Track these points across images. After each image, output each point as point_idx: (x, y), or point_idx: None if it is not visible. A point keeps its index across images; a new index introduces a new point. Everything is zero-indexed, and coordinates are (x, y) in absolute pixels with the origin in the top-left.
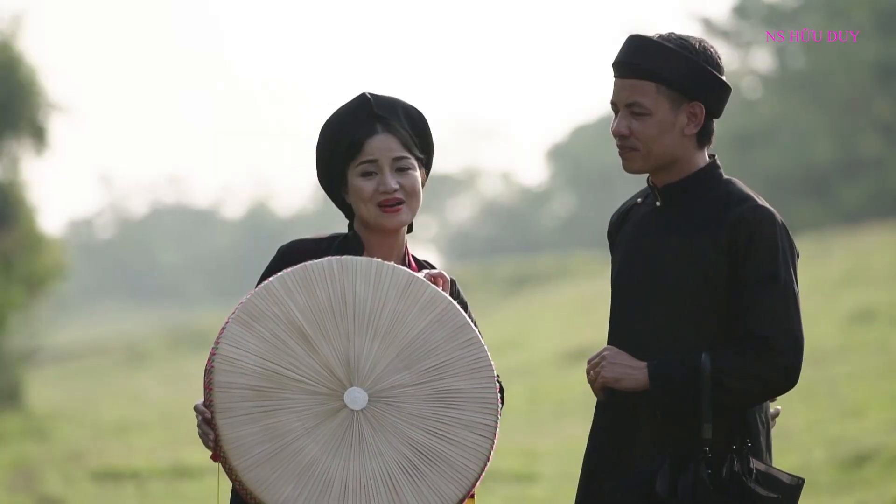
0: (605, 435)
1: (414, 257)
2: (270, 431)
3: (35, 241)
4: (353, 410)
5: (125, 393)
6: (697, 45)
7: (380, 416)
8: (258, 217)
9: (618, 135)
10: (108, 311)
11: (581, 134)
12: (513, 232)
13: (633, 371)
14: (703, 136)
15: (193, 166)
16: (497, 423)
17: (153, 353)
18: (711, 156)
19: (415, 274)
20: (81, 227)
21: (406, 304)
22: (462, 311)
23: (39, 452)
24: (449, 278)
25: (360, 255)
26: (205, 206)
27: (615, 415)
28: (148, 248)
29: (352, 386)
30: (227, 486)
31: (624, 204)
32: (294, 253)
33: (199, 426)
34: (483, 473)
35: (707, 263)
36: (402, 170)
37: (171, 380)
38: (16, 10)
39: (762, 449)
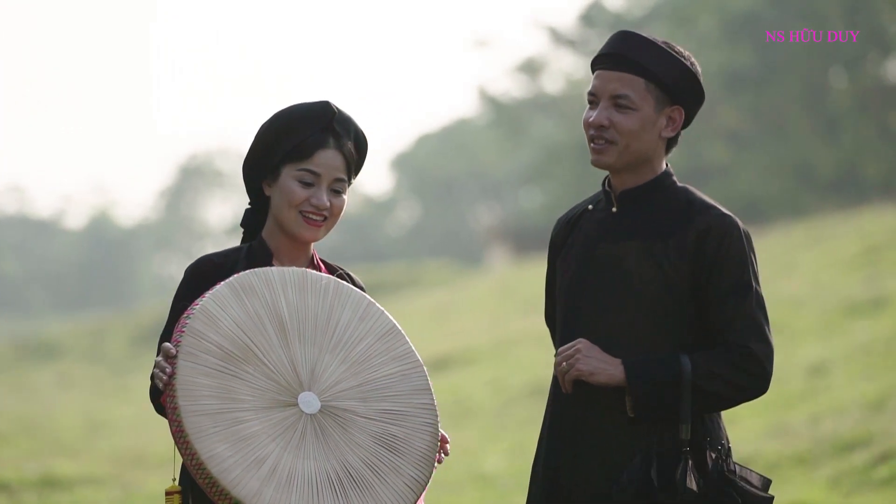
0: (567, 436)
1: (323, 260)
2: (223, 392)
3: None
4: (302, 412)
5: None
6: (679, 50)
7: (325, 428)
8: (100, 227)
9: (596, 125)
10: None
11: (425, 143)
12: (357, 241)
13: (607, 366)
14: (672, 143)
15: (34, 175)
16: (428, 482)
17: None
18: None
19: (397, 326)
20: None
21: (381, 348)
22: (427, 375)
23: None
24: (448, 440)
25: (269, 264)
26: (46, 216)
27: (578, 415)
28: None
29: (309, 390)
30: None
31: (570, 211)
32: (203, 272)
33: (157, 364)
34: None
35: (670, 268)
36: (336, 191)
37: (21, 390)
38: None
39: (728, 449)
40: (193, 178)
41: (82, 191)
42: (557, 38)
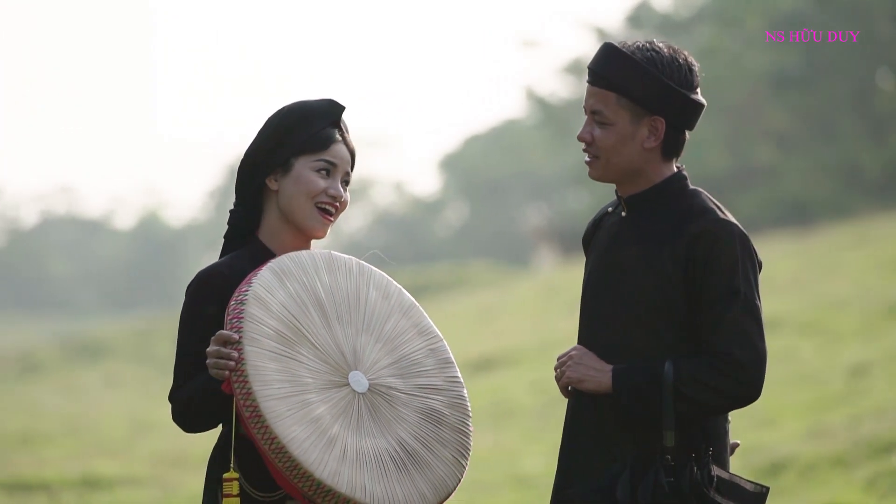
0: (574, 440)
1: None
2: (288, 375)
3: None
4: (354, 391)
5: (23, 404)
6: (665, 60)
7: (377, 407)
8: (149, 227)
9: (581, 140)
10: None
11: (473, 144)
12: (406, 242)
13: (597, 373)
14: (669, 149)
15: (84, 176)
16: (470, 450)
17: (47, 364)
18: (680, 167)
19: (415, 301)
20: None
21: (407, 324)
22: (448, 348)
23: None
24: None
25: None
26: (96, 217)
27: (584, 418)
28: (39, 259)
29: (356, 370)
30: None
31: (598, 212)
32: (214, 284)
33: (213, 353)
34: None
35: (664, 275)
36: (345, 183)
37: (68, 391)
38: None
39: (725, 457)
40: None
41: (132, 191)
42: (605, 38)
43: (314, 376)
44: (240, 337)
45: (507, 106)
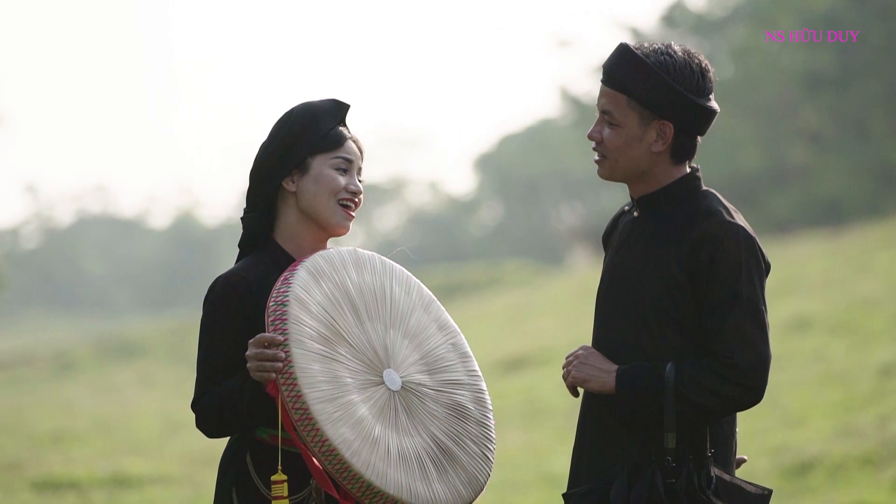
0: (582, 439)
1: None
2: (332, 375)
3: None
4: (389, 389)
5: (57, 403)
6: (678, 65)
7: (410, 404)
8: (184, 226)
9: (590, 139)
10: (34, 321)
11: (508, 143)
12: (440, 241)
13: (601, 374)
14: (679, 153)
15: (119, 175)
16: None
17: (81, 363)
18: (694, 167)
19: (433, 296)
20: (7, 237)
21: (428, 319)
22: (465, 341)
23: None
24: None
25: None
26: (131, 216)
27: (592, 419)
28: (74, 258)
29: (388, 367)
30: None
31: (618, 210)
32: (239, 291)
33: (257, 355)
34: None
35: (670, 277)
36: (359, 179)
37: (102, 389)
38: None
39: (724, 459)
40: None
41: (167, 191)
42: (639, 38)
43: (353, 376)
44: (285, 339)
45: (542, 105)
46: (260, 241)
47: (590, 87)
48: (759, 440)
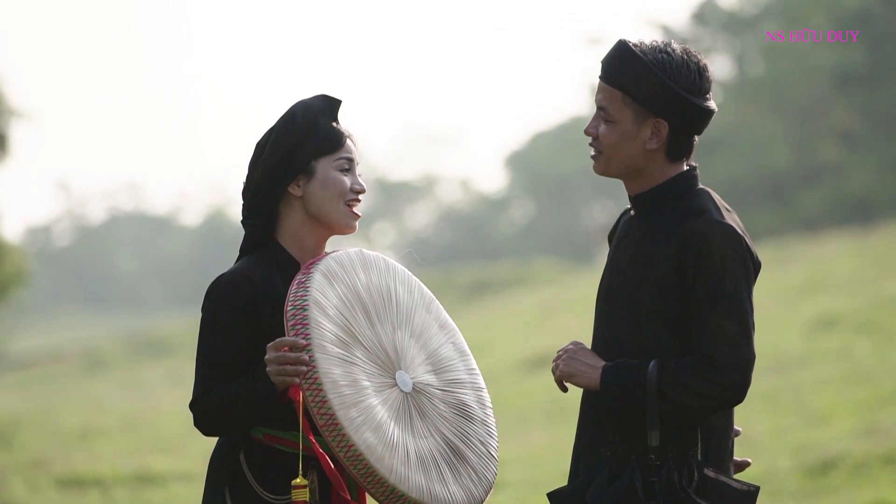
0: (580, 437)
1: None
2: (351, 379)
3: None
4: (402, 391)
5: (85, 400)
6: (675, 63)
7: (422, 405)
8: (215, 224)
9: (587, 134)
10: (66, 319)
11: (539, 141)
12: (471, 239)
13: (588, 369)
14: (675, 151)
15: (151, 173)
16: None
17: (112, 360)
18: (692, 165)
19: (433, 295)
20: (39, 235)
21: (430, 318)
22: (463, 339)
23: (3, 459)
24: None
25: (294, 271)
26: (162, 213)
27: (588, 416)
28: (106, 255)
29: (400, 369)
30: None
31: (623, 210)
32: (244, 290)
33: (279, 359)
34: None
35: (661, 276)
36: (359, 176)
37: (131, 387)
38: None
39: (716, 457)
40: None
41: (198, 188)
42: (670, 36)
43: (370, 379)
44: (308, 343)
45: (573, 103)
46: (261, 242)
47: None
48: (782, 439)
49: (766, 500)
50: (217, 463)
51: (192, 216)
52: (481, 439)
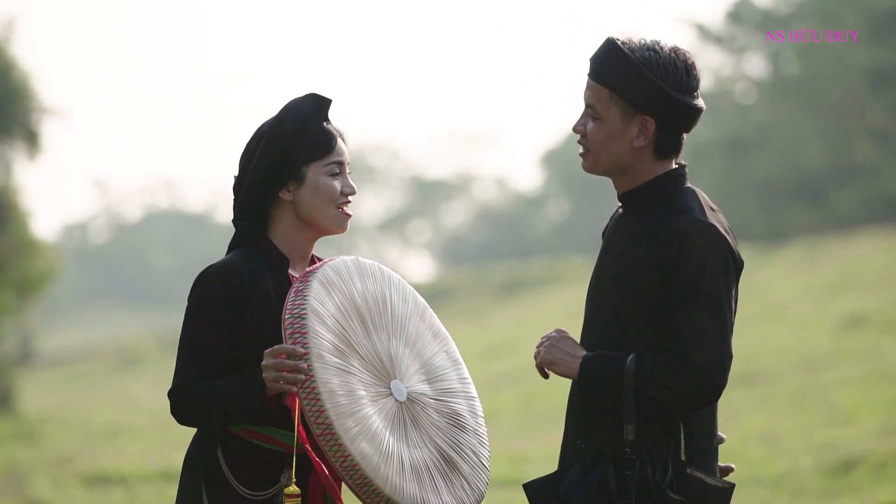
0: (567, 428)
1: (318, 259)
2: (348, 389)
3: (27, 246)
4: (397, 401)
5: (117, 397)
6: (662, 61)
7: (416, 415)
8: None
9: (575, 132)
10: (102, 316)
11: (575, 139)
12: (507, 237)
13: (569, 358)
14: (662, 149)
15: (187, 171)
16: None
17: (146, 358)
18: (681, 164)
19: (426, 303)
20: (76, 232)
21: (424, 326)
22: (456, 347)
23: (29, 457)
24: None
25: (286, 268)
26: (198, 211)
27: (571, 407)
28: (142, 253)
29: (395, 378)
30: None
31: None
32: (230, 281)
33: (276, 366)
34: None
35: (642, 275)
36: (349, 174)
37: (163, 384)
38: (8, 14)
39: (699, 460)
40: None
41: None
42: (705, 35)
43: (366, 388)
44: (306, 352)
45: None
46: (252, 240)
47: None
48: (805, 437)
49: (787, 499)
50: (193, 458)
51: (227, 214)
52: (473, 449)
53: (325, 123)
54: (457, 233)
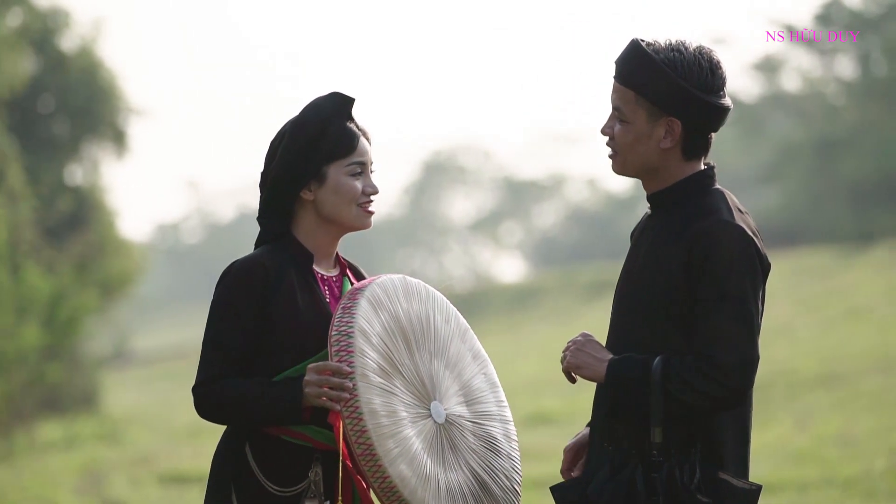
0: (592, 432)
1: (343, 258)
2: (390, 409)
3: (112, 245)
4: (436, 422)
5: None
6: (686, 62)
7: (453, 437)
8: None
9: (603, 135)
10: (194, 316)
11: None
12: (598, 238)
13: (595, 362)
14: (690, 150)
15: None
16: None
17: None
18: (709, 165)
19: (468, 325)
20: (168, 232)
21: (464, 348)
22: (494, 370)
23: (110, 456)
24: None
25: (310, 265)
26: None
27: (596, 410)
28: (234, 253)
29: (435, 399)
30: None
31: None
32: (257, 276)
33: (321, 382)
34: None
35: (670, 276)
36: (372, 172)
37: None
38: (96, 15)
39: (723, 455)
40: (437, 174)
41: None
42: (795, 35)
43: (407, 409)
44: (351, 371)
45: None
46: (277, 236)
47: (745, 84)
48: (881, 439)
49: (859, 501)
50: (222, 456)
51: None
52: (507, 474)
53: (347, 123)
54: (548, 234)
